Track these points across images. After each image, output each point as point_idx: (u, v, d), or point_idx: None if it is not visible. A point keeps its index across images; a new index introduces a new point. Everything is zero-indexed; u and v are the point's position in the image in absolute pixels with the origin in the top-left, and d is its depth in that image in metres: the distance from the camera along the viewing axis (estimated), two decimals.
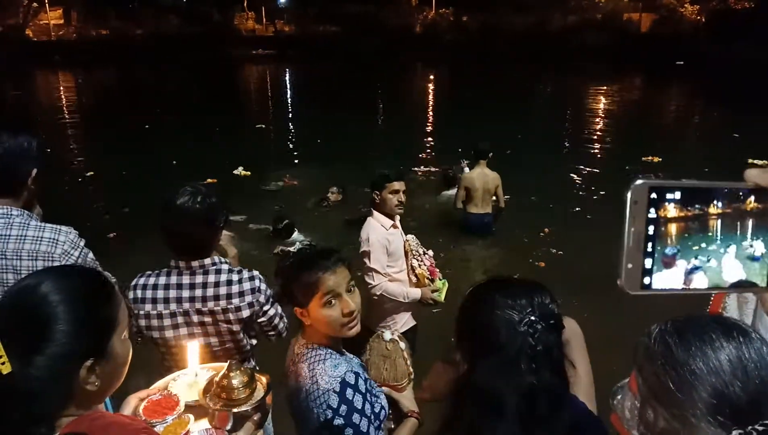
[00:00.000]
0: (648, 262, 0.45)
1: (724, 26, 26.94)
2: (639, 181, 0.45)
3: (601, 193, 7.67)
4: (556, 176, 8.55)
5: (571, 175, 8.73)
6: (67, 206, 6.29)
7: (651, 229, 0.45)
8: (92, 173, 9.08)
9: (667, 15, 31.55)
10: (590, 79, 21.29)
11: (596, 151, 10.70)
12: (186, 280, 1.98)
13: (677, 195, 0.45)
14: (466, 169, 7.10)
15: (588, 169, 9.18)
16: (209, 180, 7.27)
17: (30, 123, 12.62)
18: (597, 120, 14.25)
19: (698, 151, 10.55)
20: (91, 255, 1.98)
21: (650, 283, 0.46)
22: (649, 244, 0.45)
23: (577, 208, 7.19)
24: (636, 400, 1.43)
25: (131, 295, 1.99)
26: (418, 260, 3.70)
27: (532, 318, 1.10)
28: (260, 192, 8.00)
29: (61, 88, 22.28)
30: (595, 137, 11.97)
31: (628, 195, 0.45)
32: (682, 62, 25.42)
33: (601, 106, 16.66)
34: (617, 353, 3.44)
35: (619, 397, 1.90)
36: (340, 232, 6.11)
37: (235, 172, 8.83)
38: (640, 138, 11.34)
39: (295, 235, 6.14)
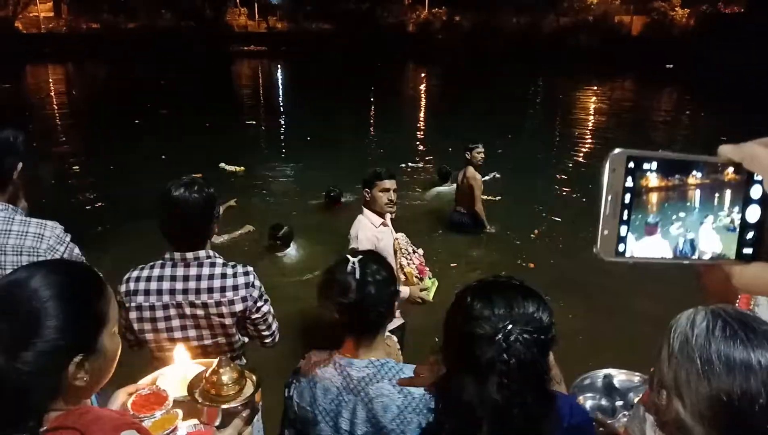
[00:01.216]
0: (623, 230, 0.45)
1: (714, 30, 27.16)
2: (618, 150, 0.44)
3: (591, 193, 7.72)
4: (546, 176, 8.60)
5: (562, 175, 8.78)
6: (54, 200, 6.25)
7: (628, 198, 0.44)
8: (77, 168, 9.02)
9: (658, 18, 31.78)
10: (581, 81, 21.41)
11: (587, 151, 10.77)
12: (180, 271, 1.98)
13: (655, 165, 0.45)
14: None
15: (578, 169, 9.24)
16: (194, 175, 7.12)
17: (19, 116, 12.48)
18: (588, 121, 14.34)
19: (687, 153, 10.61)
20: (77, 250, 1.97)
21: (625, 250, 0.45)
22: (626, 212, 0.44)
23: (567, 209, 7.23)
24: (651, 418, 1.40)
25: (123, 287, 1.99)
26: (407, 259, 3.71)
27: (509, 330, 1.02)
28: (249, 188, 7.97)
29: (51, 81, 22.07)
30: (586, 138, 12.05)
31: (606, 163, 0.44)
32: (672, 65, 25.61)
33: (592, 107, 16.76)
34: (605, 354, 3.48)
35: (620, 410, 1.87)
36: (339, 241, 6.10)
37: (229, 168, 8.78)
38: (631, 139, 11.41)
39: (291, 250, 5.87)
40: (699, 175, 0.46)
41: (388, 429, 1.53)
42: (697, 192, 0.46)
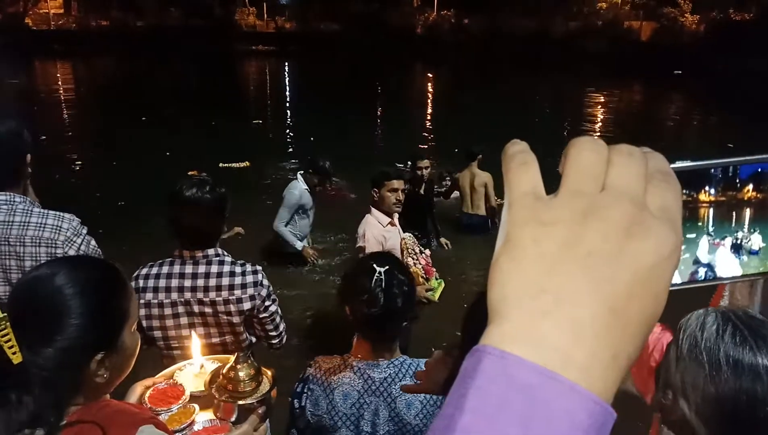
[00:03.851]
0: None
1: (724, 37, 27.05)
2: None
3: None
4: (553, 180, 8.56)
5: None
6: (59, 194, 6.25)
7: None
8: (81, 163, 9.05)
9: (668, 24, 31.65)
10: (589, 85, 21.33)
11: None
12: (189, 269, 1.99)
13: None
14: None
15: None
16: (190, 172, 7.06)
17: (26, 111, 12.52)
18: (595, 126, 14.31)
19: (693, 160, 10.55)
20: (93, 242, 1.99)
21: None
22: None
23: None
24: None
25: (133, 284, 1.99)
26: (413, 259, 3.73)
27: None
28: (252, 185, 7.94)
29: (59, 77, 22.16)
30: None
31: None
32: (680, 72, 25.51)
33: (600, 112, 16.72)
34: None
35: None
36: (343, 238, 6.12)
37: (233, 165, 8.80)
38: (637, 145, 11.36)
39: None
40: (713, 191, 0.41)
41: (412, 425, 1.54)
42: (711, 211, 0.41)
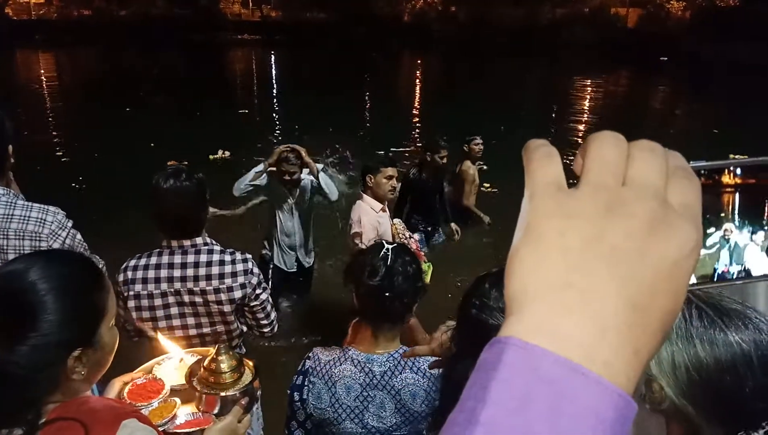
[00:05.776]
0: None
1: (710, 24, 27.20)
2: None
3: None
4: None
5: None
6: (40, 187, 6.15)
7: None
8: (61, 153, 8.93)
9: (654, 11, 31.76)
10: (576, 72, 21.37)
11: (580, 143, 10.77)
12: (177, 259, 1.97)
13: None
14: None
15: (572, 161, 9.25)
16: (170, 162, 6.98)
17: (7, 103, 12.32)
18: (581, 113, 14.36)
19: (679, 146, 10.49)
20: (79, 236, 1.97)
21: None
22: None
23: None
24: None
25: (121, 277, 1.97)
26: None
27: None
28: (234, 174, 7.84)
29: (42, 68, 21.81)
30: (580, 130, 12.07)
31: None
32: (666, 58, 25.63)
33: (587, 99, 16.76)
34: None
35: None
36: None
37: (223, 156, 8.74)
38: (624, 132, 11.39)
39: None
40: (739, 171, 0.35)
41: (418, 412, 1.55)
42: (737, 197, 0.36)
